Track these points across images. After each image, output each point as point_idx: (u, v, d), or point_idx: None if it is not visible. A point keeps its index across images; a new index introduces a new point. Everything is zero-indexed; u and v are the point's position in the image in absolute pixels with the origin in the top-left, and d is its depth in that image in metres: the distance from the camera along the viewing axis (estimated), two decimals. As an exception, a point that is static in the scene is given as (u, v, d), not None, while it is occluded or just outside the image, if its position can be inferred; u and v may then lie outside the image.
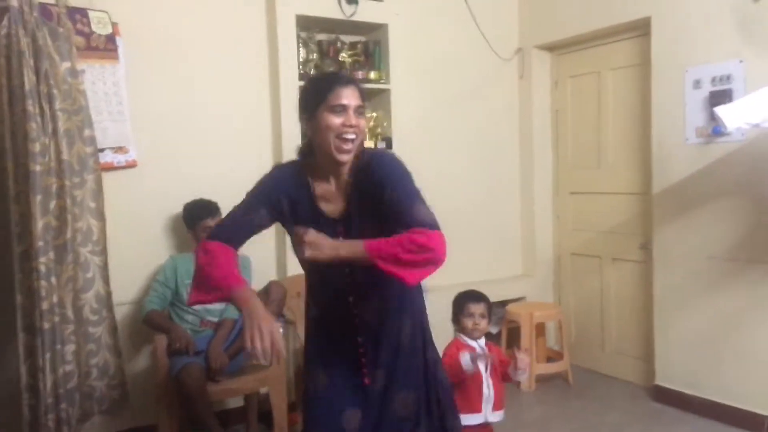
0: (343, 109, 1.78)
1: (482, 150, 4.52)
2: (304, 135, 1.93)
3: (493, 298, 2.79)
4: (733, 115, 2.92)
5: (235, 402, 3.60)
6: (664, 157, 3.78)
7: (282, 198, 1.86)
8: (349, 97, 1.79)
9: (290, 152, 3.62)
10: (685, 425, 3.52)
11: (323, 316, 1.99)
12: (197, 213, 3.29)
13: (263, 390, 3.36)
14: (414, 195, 1.77)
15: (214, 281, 1.79)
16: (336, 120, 1.77)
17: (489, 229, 4.51)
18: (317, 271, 1.91)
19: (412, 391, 1.94)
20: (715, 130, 3.45)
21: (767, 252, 3.31)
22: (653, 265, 3.90)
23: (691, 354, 3.69)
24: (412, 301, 1.98)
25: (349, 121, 1.77)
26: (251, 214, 1.88)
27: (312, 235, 1.74)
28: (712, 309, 3.58)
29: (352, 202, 1.85)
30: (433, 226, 1.69)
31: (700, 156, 3.58)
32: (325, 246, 1.73)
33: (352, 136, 1.78)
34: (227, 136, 3.65)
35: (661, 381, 3.87)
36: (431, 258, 1.65)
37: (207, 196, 3.33)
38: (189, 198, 3.34)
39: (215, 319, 3.23)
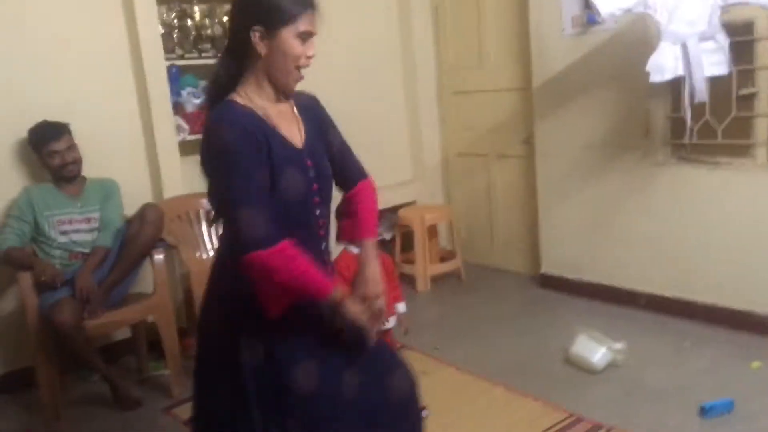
0: (310, 37, 1.56)
1: (362, 55, 4.34)
2: (231, 51, 1.59)
3: (384, 205, 2.70)
4: (606, 1, 2.91)
5: (124, 333, 3.42)
6: (542, 51, 3.78)
7: (259, 141, 1.51)
8: (316, 24, 1.57)
9: (153, 64, 3.36)
10: (570, 307, 3.71)
11: None
12: (42, 136, 2.97)
13: (150, 319, 3.20)
14: (348, 144, 1.79)
15: (301, 289, 1.52)
16: (300, 48, 1.54)
17: (376, 136, 4.40)
18: (288, 216, 1.57)
19: None
20: (590, 18, 3.46)
21: (638, 138, 3.44)
22: (535, 158, 3.98)
23: (573, 241, 3.86)
24: None
25: (311, 51, 1.57)
26: (258, 179, 1.49)
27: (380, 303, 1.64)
28: (591, 196, 3.72)
29: (305, 130, 1.65)
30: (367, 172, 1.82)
31: (576, 47, 3.60)
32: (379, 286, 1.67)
33: (306, 67, 1.60)
34: (75, 51, 3.26)
35: (546, 269, 4.04)
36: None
37: (57, 118, 3.01)
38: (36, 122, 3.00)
39: (86, 250, 2.98)
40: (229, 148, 1.47)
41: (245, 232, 1.46)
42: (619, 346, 2.93)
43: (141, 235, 2.96)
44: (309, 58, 1.58)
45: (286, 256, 1.46)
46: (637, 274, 3.58)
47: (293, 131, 1.62)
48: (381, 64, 4.48)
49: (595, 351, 2.90)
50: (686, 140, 3.22)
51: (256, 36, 1.52)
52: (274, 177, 1.52)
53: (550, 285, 4.00)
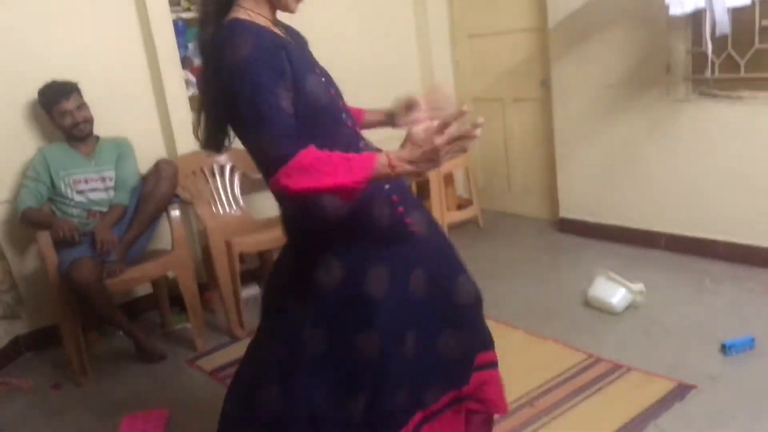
0: None
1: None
2: None
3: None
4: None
5: (145, 289, 3.47)
6: (557, -12, 3.66)
7: (279, 55, 1.39)
8: None
9: (158, 18, 3.30)
10: (589, 250, 3.68)
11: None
12: (51, 96, 2.94)
13: (171, 275, 3.23)
14: None
15: (343, 177, 1.31)
16: None
17: (388, 82, 4.31)
18: (329, 133, 1.48)
19: None
20: (606, -50, 3.32)
21: (658, 74, 3.33)
22: (552, 100, 3.89)
23: (591, 183, 3.80)
24: None
25: None
26: (279, 93, 1.37)
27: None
28: (609, 137, 3.64)
29: (301, 47, 1.55)
30: None
31: (592, -19, 3.47)
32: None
33: None
34: (79, 3, 3.21)
35: (565, 213, 3.99)
36: None
37: (66, 77, 2.99)
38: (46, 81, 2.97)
39: (103, 209, 2.99)
40: (247, 65, 1.34)
41: (269, 155, 1.34)
42: (638, 287, 2.90)
43: (157, 190, 2.98)
44: None
45: (311, 157, 1.32)
46: (656, 214, 3.53)
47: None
48: (391, 7, 4.35)
49: (615, 292, 2.89)
50: (708, 75, 3.12)
51: None
52: (297, 85, 1.40)
53: (568, 229, 3.97)
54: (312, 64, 1.53)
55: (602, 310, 2.91)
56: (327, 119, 1.50)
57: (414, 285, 1.57)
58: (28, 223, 2.90)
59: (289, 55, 1.41)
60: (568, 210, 3.97)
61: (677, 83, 3.30)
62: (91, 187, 3.01)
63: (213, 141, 1.53)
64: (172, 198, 3.07)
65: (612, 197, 3.71)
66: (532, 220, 4.31)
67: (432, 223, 1.69)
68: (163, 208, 3.03)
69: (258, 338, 1.70)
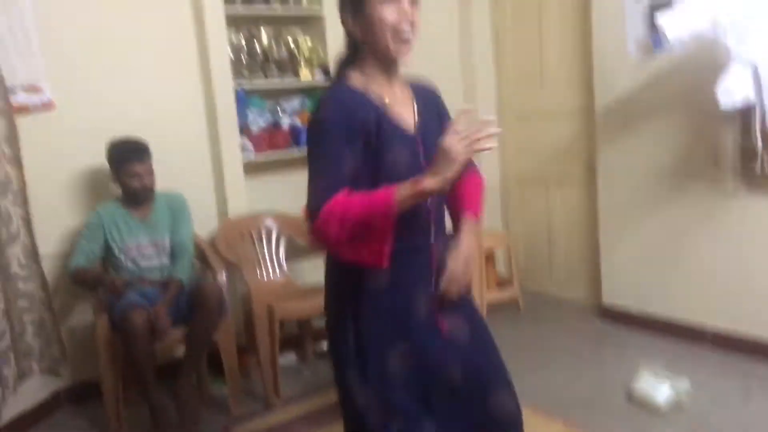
0: (398, 1, 1.50)
1: (424, 75, 4.34)
2: (349, 39, 1.61)
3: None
4: (674, 25, 2.87)
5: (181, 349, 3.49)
6: (605, 73, 3.72)
7: (361, 120, 1.49)
8: None
9: (221, 86, 3.47)
10: (633, 341, 3.60)
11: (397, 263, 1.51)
12: (123, 154, 2.93)
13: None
14: None
15: (368, 217, 1.41)
16: (390, 12, 1.49)
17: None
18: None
19: None
20: (656, 42, 3.38)
21: (708, 166, 3.32)
22: (598, 184, 3.90)
23: (636, 271, 3.75)
24: None
25: (405, 13, 1.50)
26: (343, 163, 1.46)
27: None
28: (655, 226, 3.62)
29: (419, 113, 1.62)
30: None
31: (641, 70, 3.52)
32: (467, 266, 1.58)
33: (409, 33, 1.52)
34: (151, 70, 3.40)
35: (608, 300, 3.94)
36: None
37: (130, 133, 3.03)
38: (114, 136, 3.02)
39: (153, 276, 3.01)
40: (322, 125, 1.49)
41: (310, 204, 1.45)
42: (683, 385, 2.82)
43: (202, 326, 2.88)
44: (408, 22, 1.51)
45: (338, 204, 1.41)
46: (703, 308, 3.45)
47: (406, 114, 1.59)
48: (441, 84, 4.43)
49: (659, 390, 2.80)
50: (757, 169, 3.11)
51: (348, 23, 1.56)
52: (380, 154, 1.50)
53: (611, 316, 3.90)
54: (409, 137, 1.56)
55: (646, 406, 2.83)
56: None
57: (432, 385, 1.57)
58: (78, 282, 2.93)
59: (379, 120, 1.51)
60: (612, 297, 3.91)
61: (726, 176, 3.29)
62: (143, 254, 3.01)
63: None
64: (219, 323, 2.99)
65: (657, 287, 3.65)
66: (574, 305, 4.24)
67: (475, 326, 1.69)
68: (211, 337, 2.97)
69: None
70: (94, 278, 2.92)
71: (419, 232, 1.58)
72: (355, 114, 1.48)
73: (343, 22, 1.58)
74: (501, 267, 4.61)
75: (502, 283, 4.43)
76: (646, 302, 3.72)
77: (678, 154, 3.46)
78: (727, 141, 3.27)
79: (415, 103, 1.63)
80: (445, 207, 1.70)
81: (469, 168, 1.69)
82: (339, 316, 1.61)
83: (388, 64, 1.57)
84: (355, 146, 1.47)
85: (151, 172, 2.99)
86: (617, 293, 3.88)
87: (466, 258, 1.59)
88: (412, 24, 1.52)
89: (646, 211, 3.65)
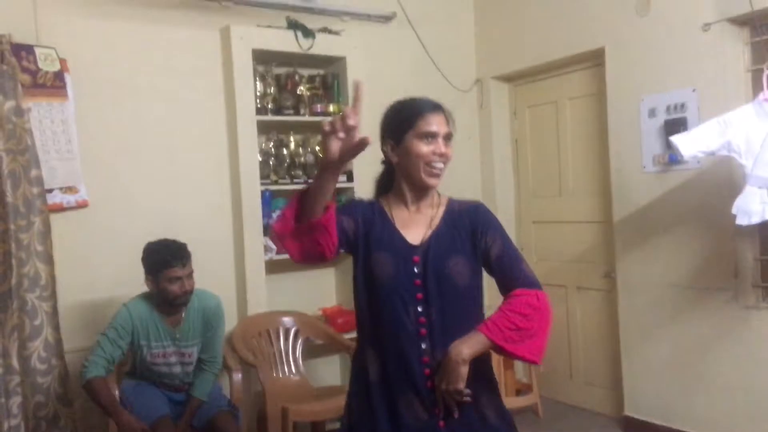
0: (433, 136, 1.73)
1: (444, 182, 4.46)
2: (385, 164, 1.85)
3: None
4: (688, 144, 2.95)
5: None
6: (623, 185, 3.80)
7: (359, 217, 1.77)
8: (438, 124, 1.74)
9: (249, 188, 3.59)
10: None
11: (384, 371, 1.73)
12: (166, 256, 2.74)
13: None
14: (518, 252, 1.79)
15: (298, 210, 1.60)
16: (425, 148, 1.72)
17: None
18: (378, 307, 1.72)
19: None
20: (672, 157, 3.48)
21: (726, 279, 3.32)
22: (617, 293, 3.89)
23: (659, 383, 3.67)
24: None
25: (438, 149, 1.73)
26: (342, 219, 1.73)
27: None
28: (676, 337, 3.57)
29: (435, 232, 1.76)
30: (539, 285, 1.72)
31: (657, 183, 3.60)
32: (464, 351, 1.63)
33: (441, 165, 1.75)
34: (183, 173, 3.57)
35: (630, 411, 3.83)
36: (546, 318, 1.68)
37: (163, 236, 2.92)
38: (144, 238, 2.91)
39: (174, 382, 2.96)
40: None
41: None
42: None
43: None
44: (440, 155, 1.73)
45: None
46: (728, 424, 3.34)
47: (415, 231, 1.76)
48: (461, 190, 4.41)
49: None
50: (778, 284, 3.10)
51: (388, 149, 1.78)
52: (368, 257, 1.73)
53: (633, 429, 3.78)
54: (407, 248, 1.74)
55: None
56: (390, 302, 1.70)
57: None
58: (91, 396, 2.72)
59: (383, 222, 1.77)
60: (634, 408, 3.81)
61: (746, 289, 3.28)
62: (167, 361, 2.90)
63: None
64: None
65: (681, 400, 3.56)
66: (595, 415, 4.13)
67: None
68: None
69: None
70: (107, 407, 2.70)
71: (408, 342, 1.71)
72: (355, 210, 1.77)
73: (383, 149, 1.80)
74: (520, 372, 4.54)
75: (522, 389, 4.34)
76: (670, 416, 3.61)
77: (697, 266, 3.46)
78: (746, 255, 3.29)
79: (436, 223, 1.78)
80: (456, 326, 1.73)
81: (517, 291, 1.70)
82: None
83: (418, 189, 1.77)
84: (350, 218, 1.74)
85: (191, 276, 2.84)
86: (640, 404, 3.78)
87: (452, 358, 1.63)
88: (445, 158, 1.74)
89: (668, 321, 3.62)
